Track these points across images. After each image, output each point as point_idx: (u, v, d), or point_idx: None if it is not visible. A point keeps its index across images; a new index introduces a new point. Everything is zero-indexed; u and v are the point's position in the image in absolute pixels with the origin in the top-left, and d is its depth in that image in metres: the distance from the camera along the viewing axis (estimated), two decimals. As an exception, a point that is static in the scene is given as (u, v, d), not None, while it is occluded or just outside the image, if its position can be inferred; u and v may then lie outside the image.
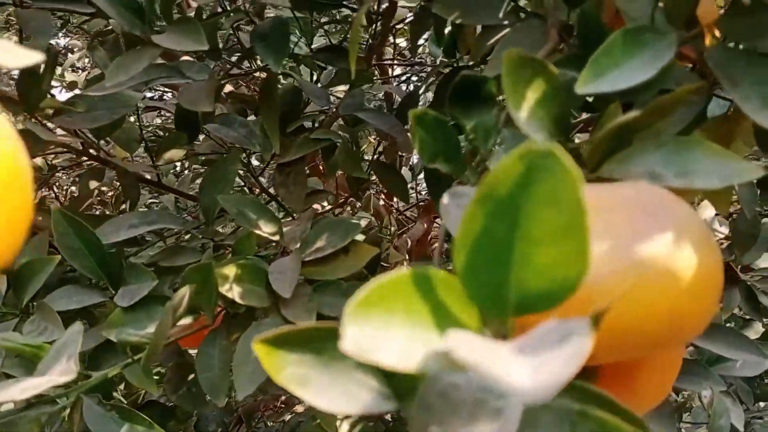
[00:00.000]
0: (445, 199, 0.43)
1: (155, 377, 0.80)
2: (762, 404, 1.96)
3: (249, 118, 0.95)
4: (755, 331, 2.14)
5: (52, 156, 1.05)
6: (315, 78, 0.96)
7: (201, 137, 1.02)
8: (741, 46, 0.38)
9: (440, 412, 0.27)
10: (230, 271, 0.66)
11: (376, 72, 1.19)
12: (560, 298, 0.24)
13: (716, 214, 1.03)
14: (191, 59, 0.78)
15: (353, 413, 0.31)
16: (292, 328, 0.30)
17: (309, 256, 0.71)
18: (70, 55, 2.28)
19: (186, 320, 0.70)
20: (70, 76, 1.81)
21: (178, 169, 1.64)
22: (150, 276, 0.70)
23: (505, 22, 0.61)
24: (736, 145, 0.69)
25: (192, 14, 0.84)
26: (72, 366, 0.55)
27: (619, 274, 0.31)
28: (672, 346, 0.35)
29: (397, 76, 1.62)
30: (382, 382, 0.31)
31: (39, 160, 1.03)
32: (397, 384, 0.30)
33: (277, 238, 0.74)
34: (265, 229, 0.72)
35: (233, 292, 0.67)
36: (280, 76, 0.99)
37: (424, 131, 0.43)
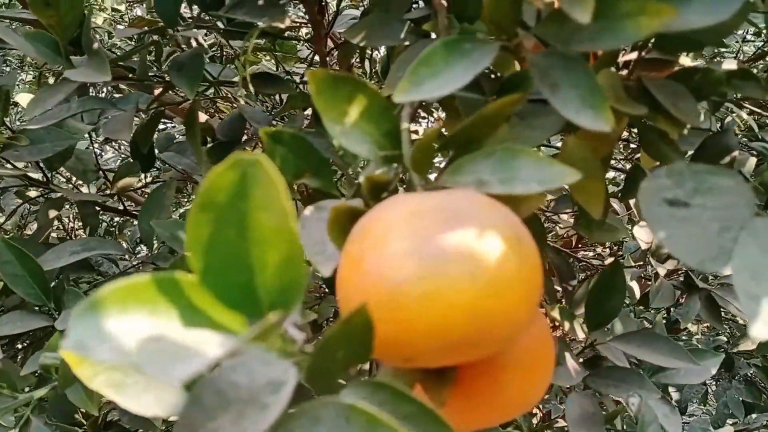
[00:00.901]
0: (307, 211, 0.45)
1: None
2: (754, 416, 1.92)
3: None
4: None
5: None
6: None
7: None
8: (559, 50, 0.39)
9: (213, 409, 0.28)
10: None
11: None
12: (297, 294, 0.25)
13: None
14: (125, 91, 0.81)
15: (165, 416, 0.32)
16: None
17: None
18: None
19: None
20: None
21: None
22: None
23: (407, 43, 0.63)
24: (645, 157, 0.70)
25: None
26: None
27: (417, 273, 0.33)
28: (487, 346, 0.35)
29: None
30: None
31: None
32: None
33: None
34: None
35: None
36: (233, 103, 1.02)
37: (285, 148, 0.45)
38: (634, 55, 0.59)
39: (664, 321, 1.99)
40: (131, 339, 0.24)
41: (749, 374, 2.12)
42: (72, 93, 0.66)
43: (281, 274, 0.25)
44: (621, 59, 0.61)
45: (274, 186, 0.23)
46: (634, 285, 1.18)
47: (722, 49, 1.36)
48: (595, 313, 0.77)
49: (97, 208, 1.02)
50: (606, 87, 0.42)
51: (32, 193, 1.05)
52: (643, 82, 0.51)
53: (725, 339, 2.26)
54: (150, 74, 0.76)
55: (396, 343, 0.34)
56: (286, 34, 0.98)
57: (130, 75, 0.75)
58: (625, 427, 0.82)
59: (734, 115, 1.33)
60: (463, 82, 0.37)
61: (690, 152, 0.71)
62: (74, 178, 1.15)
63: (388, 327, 0.33)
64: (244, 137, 0.93)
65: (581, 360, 0.78)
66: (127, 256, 0.94)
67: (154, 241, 0.81)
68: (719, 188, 0.40)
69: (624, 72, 0.57)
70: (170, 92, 0.87)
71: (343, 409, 0.29)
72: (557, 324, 0.79)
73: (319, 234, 0.42)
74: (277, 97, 1.23)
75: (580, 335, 0.77)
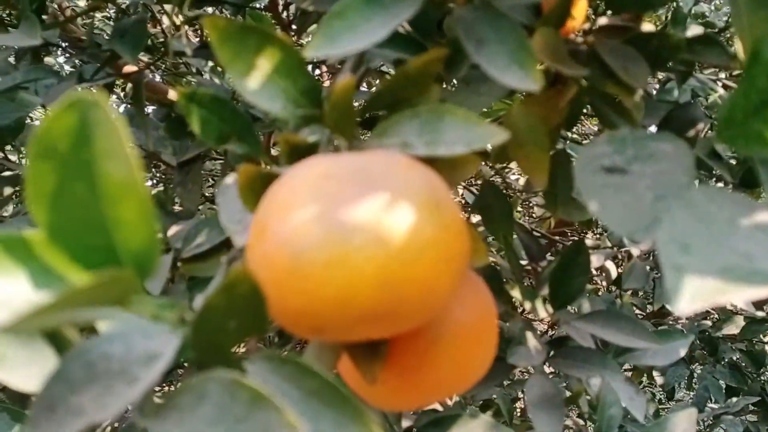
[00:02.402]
0: (229, 179, 0.42)
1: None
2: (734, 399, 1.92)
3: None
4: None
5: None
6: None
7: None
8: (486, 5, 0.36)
9: (78, 382, 0.26)
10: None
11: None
12: (153, 256, 0.23)
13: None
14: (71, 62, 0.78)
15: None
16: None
17: (188, 253, 0.71)
18: None
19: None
20: None
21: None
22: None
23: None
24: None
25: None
26: None
27: (322, 239, 0.30)
28: (402, 318, 0.33)
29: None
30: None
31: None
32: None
33: (159, 236, 0.73)
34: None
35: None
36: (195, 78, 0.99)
37: (205, 110, 0.42)
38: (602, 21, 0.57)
39: (650, 306, 1.98)
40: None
41: (734, 358, 2.12)
42: (24, 58, 0.63)
43: (135, 227, 0.22)
44: (584, 27, 0.58)
45: (116, 131, 0.21)
46: (611, 266, 1.16)
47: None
48: (558, 292, 0.75)
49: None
50: (544, 45, 0.39)
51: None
52: (594, 46, 0.49)
53: (710, 324, 2.25)
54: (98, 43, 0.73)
55: (303, 314, 0.32)
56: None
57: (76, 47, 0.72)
58: (588, 408, 0.80)
59: (717, 95, 1.31)
60: (380, 36, 0.34)
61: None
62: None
63: (293, 297, 0.31)
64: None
65: (546, 341, 0.76)
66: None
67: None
68: (659, 154, 0.38)
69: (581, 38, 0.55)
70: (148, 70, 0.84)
71: (228, 385, 0.27)
72: (518, 303, 0.76)
73: (235, 204, 0.40)
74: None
75: (542, 314, 0.75)
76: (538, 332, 0.76)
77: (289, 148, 0.37)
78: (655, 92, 0.89)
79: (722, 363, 2.10)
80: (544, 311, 0.75)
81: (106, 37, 0.85)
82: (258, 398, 0.26)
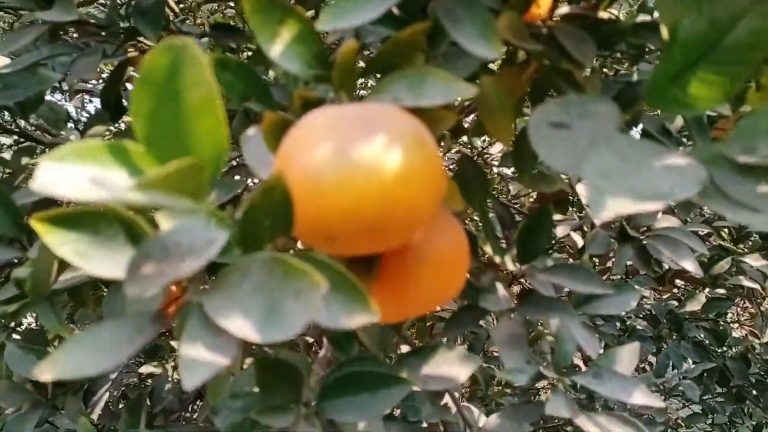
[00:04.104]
0: (250, 131, 0.52)
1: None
2: (693, 365, 2.05)
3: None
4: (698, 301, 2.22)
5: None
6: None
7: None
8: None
9: (156, 256, 0.35)
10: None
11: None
12: (223, 153, 0.32)
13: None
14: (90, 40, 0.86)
15: (120, 276, 0.39)
16: (66, 209, 0.38)
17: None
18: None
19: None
20: None
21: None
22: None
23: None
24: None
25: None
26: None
27: (335, 166, 0.40)
28: (396, 229, 0.43)
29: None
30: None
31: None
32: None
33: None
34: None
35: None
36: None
37: (230, 74, 0.51)
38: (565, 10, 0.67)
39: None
40: (86, 184, 0.30)
41: (698, 336, 2.24)
42: (42, 36, 0.71)
43: (210, 139, 0.32)
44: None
45: (202, 66, 0.30)
46: (576, 237, 1.27)
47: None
48: (524, 249, 0.85)
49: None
50: (507, 26, 0.49)
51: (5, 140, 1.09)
52: (552, 30, 0.59)
53: (676, 303, 2.38)
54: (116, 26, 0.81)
55: (318, 224, 0.41)
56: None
57: (97, 26, 0.80)
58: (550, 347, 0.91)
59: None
60: (377, 13, 0.44)
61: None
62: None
63: (312, 210, 0.41)
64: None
65: (515, 292, 0.87)
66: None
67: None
68: (595, 113, 0.48)
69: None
70: (137, 41, 0.92)
71: (267, 262, 0.36)
72: (490, 258, 0.87)
73: (259, 149, 0.49)
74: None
75: (511, 268, 0.85)
76: (507, 284, 0.86)
77: (303, 101, 0.46)
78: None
79: (687, 339, 2.22)
80: (512, 266, 0.86)
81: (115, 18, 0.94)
82: (291, 270, 0.35)
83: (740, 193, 0.42)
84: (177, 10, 0.98)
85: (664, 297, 2.43)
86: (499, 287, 0.83)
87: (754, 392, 2.21)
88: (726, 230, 2.17)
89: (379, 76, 0.49)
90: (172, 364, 2.20)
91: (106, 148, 0.32)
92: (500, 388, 2.07)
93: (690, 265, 1.11)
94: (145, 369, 1.95)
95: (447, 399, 0.98)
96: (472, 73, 0.56)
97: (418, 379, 0.70)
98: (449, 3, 0.46)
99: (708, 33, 0.43)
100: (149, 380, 2.04)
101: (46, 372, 0.34)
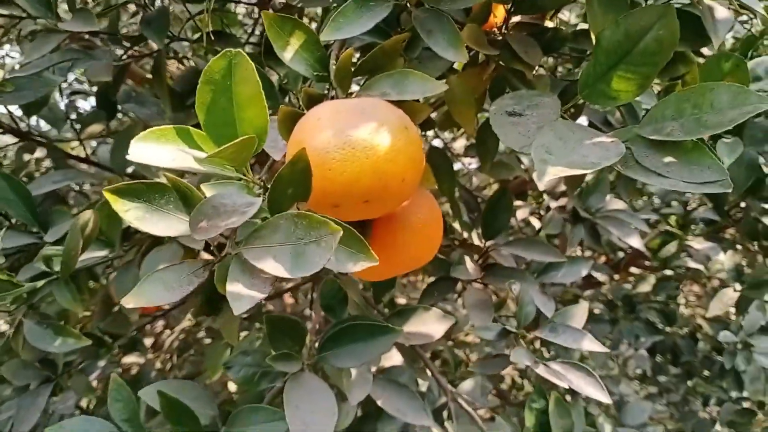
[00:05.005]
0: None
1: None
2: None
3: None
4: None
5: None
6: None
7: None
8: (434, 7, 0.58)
9: (209, 215, 0.46)
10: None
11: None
12: (264, 135, 0.43)
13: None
14: (99, 45, 0.95)
15: (172, 235, 0.49)
16: (128, 183, 0.48)
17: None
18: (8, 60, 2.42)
19: (99, 253, 0.87)
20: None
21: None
22: (72, 216, 0.87)
23: (335, 5, 0.81)
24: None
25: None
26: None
27: (339, 147, 0.51)
28: (390, 197, 0.54)
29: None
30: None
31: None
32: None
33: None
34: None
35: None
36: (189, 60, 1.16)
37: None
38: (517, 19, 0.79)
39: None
40: (166, 157, 0.41)
41: (649, 317, 2.40)
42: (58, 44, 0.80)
43: (254, 124, 0.43)
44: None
45: (250, 67, 0.41)
46: (534, 220, 1.40)
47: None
48: (488, 226, 0.98)
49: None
50: (470, 35, 0.61)
51: (7, 138, 1.16)
52: (506, 37, 0.71)
53: (630, 286, 2.55)
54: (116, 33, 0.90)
55: (326, 193, 0.52)
56: None
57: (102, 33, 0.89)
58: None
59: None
60: (368, 26, 0.55)
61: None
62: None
63: (320, 182, 0.52)
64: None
65: (481, 264, 0.99)
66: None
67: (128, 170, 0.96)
68: (541, 104, 0.60)
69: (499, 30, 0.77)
70: (135, 49, 1.01)
71: (292, 217, 0.47)
72: (459, 237, 0.99)
73: (272, 134, 0.60)
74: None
75: (477, 242, 0.98)
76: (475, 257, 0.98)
77: (308, 96, 0.57)
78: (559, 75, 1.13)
79: (639, 320, 2.38)
80: (478, 240, 0.98)
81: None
82: (313, 222, 0.46)
83: (652, 163, 0.55)
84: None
85: (621, 283, 2.59)
86: (468, 261, 0.95)
87: (706, 372, 2.37)
88: (673, 217, 2.35)
89: (367, 76, 0.60)
90: (153, 355, 2.27)
91: (174, 131, 0.43)
92: (466, 368, 2.21)
93: (635, 242, 1.25)
94: (126, 359, 2.02)
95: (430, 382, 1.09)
96: (441, 73, 0.68)
97: (402, 336, 0.81)
98: (423, 18, 0.57)
99: (623, 41, 0.56)
100: (131, 370, 2.11)
101: (130, 302, 0.44)
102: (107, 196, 0.48)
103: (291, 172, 0.47)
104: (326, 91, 0.60)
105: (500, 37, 0.73)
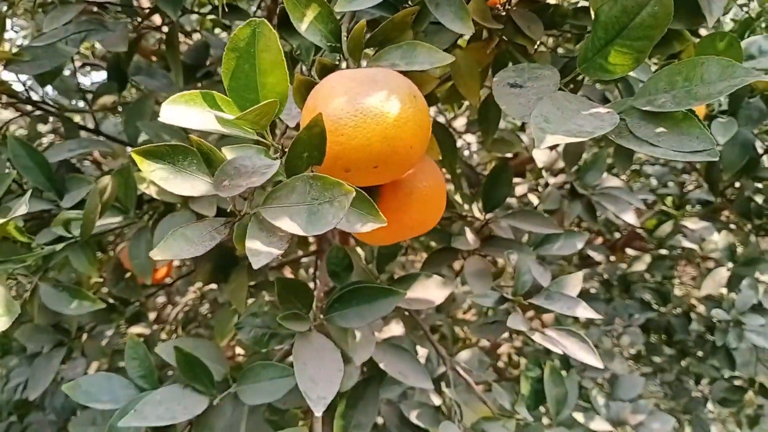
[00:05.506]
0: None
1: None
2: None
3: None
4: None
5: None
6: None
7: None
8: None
9: (231, 175, 0.49)
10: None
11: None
12: (284, 99, 0.46)
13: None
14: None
15: (194, 194, 0.52)
16: (154, 145, 0.52)
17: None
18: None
19: (114, 219, 0.91)
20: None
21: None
22: (87, 182, 0.91)
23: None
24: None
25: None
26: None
27: (351, 114, 0.54)
28: (398, 162, 0.57)
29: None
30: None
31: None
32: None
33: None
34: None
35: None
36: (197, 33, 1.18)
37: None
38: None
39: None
40: (194, 119, 0.44)
41: (644, 297, 2.45)
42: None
43: (275, 89, 0.46)
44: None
45: (273, 36, 0.44)
46: (533, 197, 1.43)
47: None
48: (488, 198, 1.01)
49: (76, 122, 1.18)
50: (475, 9, 0.64)
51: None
52: (510, 12, 0.74)
53: (625, 265, 2.59)
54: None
55: (338, 158, 0.56)
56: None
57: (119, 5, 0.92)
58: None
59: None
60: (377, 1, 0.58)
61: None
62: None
63: (334, 147, 0.55)
64: (208, 61, 1.11)
65: (480, 236, 1.03)
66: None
67: (139, 140, 0.99)
68: (541, 76, 0.64)
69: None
70: (147, 21, 1.04)
71: (308, 179, 0.50)
72: (459, 205, 1.02)
73: (287, 103, 0.63)
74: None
75: (477, 214, 1.01)
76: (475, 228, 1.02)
77: (321, 66, 0.60)
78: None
79: (634, 299, 2.42)
80: (478, 213, 1.02)
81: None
82: (327, 183, 0.49)
83: (645, 133, 0.58)
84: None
85: (617, 263, 2.63)
86: (468, 232, 0.99)
87: (700, 353, 2.42)
88: (669, 197, 2.39)
89: (377, 48, 0.63)
90: (158, 327, 2.32)
91: (201, 96, 0.46)
92: (464, 344, 2.27)
93: (630, 218, 1.29)
94: (132, 330, 2.07)
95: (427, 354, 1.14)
96: (447, 47, 0.71)
97: (403, 301, 0.85)
98: (432, -9, 0.60)
99: (620, 16, 0.59)
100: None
101: (157, 256, 0.47)
102: (135, 157, 0.51)
103: (308, 136, 0.50)
104: (338, 62, 0.63)
105: (504, 13, 0.76)
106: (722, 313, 1.81)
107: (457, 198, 1.01)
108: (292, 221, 0.49)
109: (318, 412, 0.65)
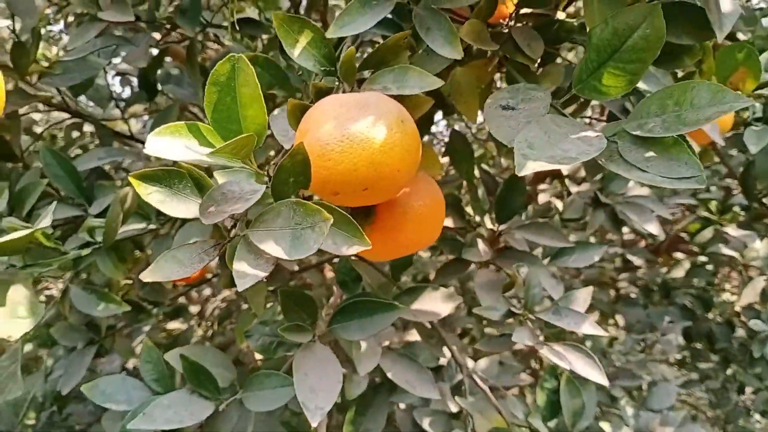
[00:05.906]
0: (276, 111, 0.68)
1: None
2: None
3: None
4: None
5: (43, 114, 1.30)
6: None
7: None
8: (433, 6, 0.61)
9: (218, 200, 0.52)
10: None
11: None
12: (263, 131, 0.49)
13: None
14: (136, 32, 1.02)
15: (189, 216, 0.55)
16: (150, 169, 0.55)
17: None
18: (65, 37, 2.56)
19: (138, 225, 0.96)
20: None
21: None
22: (113, 191, 0.96)
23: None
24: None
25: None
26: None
27: (338, 139, 0.56)
28: (386, 186, 0.58)
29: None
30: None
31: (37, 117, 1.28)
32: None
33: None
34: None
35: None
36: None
37: (259, 68, 0.67)
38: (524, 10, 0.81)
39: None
40: (179, 150, 0.47)
41: (686, 303, 2.38)
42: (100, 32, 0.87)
43: (255, 121, 0.48)
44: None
45: (250, 71, 0.46)
46: (557, 202, 1.42)
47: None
48: (501, 209, 1.01)
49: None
50: (471, 30, 0.65)
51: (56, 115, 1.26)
52: (510, 30, 0.74)
53: (665, 270, 2.53)
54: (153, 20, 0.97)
55: (326, 182, 0.57)
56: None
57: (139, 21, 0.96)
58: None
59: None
60: (370, 24, 0.60)
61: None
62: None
63: (322, 171, 0.57)
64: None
65: (494, 248, 1.03)
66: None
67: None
68: (534, 98, 0.64)
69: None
70: (173, 33, 1.08)
71: (292, 204, 0.52)
72: (471, 217, 1.03)
73: (283, 125, 0.65)
74: (259, 43, 1.44)
75: (489, 225, 1.02)
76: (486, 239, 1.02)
77: (316, 90, 0.62)
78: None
79: (675, 305, 2.36)
80: (491, 224, 1.02)
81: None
82: (308, 210, 0.51)
83: (635, 158, 0.58)
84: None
85: (660, 267, 2.56)
86: (480, 243, 0.99)
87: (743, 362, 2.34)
88: (713, 202, 2.31)
89: (373, 70, 0.65)
90: (196, 322, 2.40)
91: (186, 127, 0.48)
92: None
93: (653, 228, 1.26)
94: (171, 325, 2.16)
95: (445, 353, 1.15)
96: (448, 65, 0.72)
97: (409, 313, 0.87)
98: (423, 16, 0.61)
99: (612, 39, 0.58)
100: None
101: (147, 277, 0.50)
102: (132, 181, 0.54)
103: (291, 163, 0.52)
104: (336, 84, 0.65)
105: (507, 30, 0.76)
106: (761, 324, 1.75)
107: (469, 209, 1.01)
108: (277, 245, 0.52)
109: (314, 423, 0.68)
